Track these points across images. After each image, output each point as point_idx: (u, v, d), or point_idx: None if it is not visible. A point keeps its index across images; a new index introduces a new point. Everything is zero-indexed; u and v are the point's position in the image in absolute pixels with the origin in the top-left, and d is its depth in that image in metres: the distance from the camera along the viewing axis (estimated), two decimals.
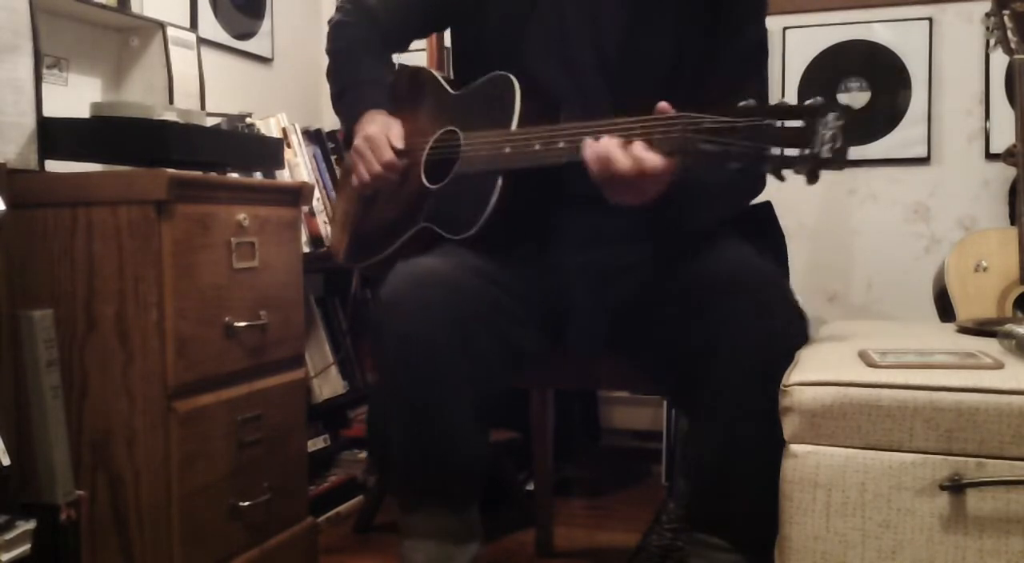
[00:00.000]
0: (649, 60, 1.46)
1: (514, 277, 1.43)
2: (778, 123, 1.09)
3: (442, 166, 1.50)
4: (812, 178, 1.08)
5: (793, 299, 1.33)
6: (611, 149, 1.22)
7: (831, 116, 1.07)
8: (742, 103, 1.12)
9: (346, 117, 1.63)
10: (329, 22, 1.71)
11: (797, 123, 1.08)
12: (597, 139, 1.25)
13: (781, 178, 1.11)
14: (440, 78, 1.63)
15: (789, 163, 1.09)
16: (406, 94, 1.65)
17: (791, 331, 1.28)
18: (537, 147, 1.34)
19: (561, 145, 1.31)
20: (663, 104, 1.21)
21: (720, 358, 1.26)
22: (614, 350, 1.51)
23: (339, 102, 1.65)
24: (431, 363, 1.30)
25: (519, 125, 1.40)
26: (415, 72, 1.70)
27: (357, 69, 1.63)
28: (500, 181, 1.38)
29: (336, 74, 1.67)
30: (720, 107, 1.14)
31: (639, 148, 1.21)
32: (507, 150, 1.38)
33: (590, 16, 1.48)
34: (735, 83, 1.45)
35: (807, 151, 1.07)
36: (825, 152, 1.06)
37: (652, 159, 1.20)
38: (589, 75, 1.48)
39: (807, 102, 1.09)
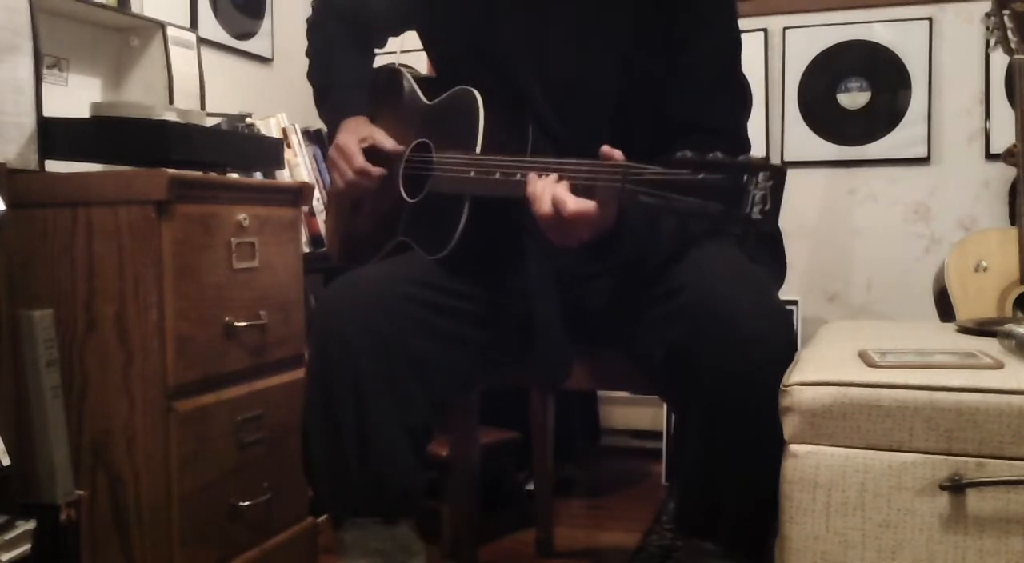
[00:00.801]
0: (596, 91, 1.45)
1: (476, 285, 1.42)
2: (711, 179, 1.06)
3: (418, 178, 1.50)
4: (745, 238, 1.06)
5: (773, 306, 1.29)
6: (536, 190, 1.23)
7: (761, 176, 1.04)
8: (679, 154, 1.10)
9: (327, 122, 1.64)
10: (307, 22, 1.72)
11: (728, 181, 1.05)
12: (540, 176, 1.25)
13: (719, 232, 1.09)
14: (415, 83, 1.62)
15: (720, 222, 1.07)
16: (384, 96, 1.65)
17: (767, 338, 1.25)
18: (497, 176, 1.33)
19: (518, 178, 1.30)
20: (606, 148, 1.20)
21: (692, 362, 1.25)
22: (606, 348, 1.51)
23: (320, 105, 1.66)
24: (350, 370, 1.30)
25: (484, 146, 1.39)
26: (392, 73, 1.69)
27: (334, 71, 1.64)
28: (467, 205, 1.38)
29: (314, 75, 1.68)
30: (660, 157, 1.12)
31: (562, 191, 1.21)
32: (472, 174, 1.37)
33: (536, 48, 1.46)
34: (695, 101, 1.43)
35: (736, 211, 1.05)
36: (755, 214, 1.04)
37: (574, 203, 1.20)
38: (539, 104, 1.47)
39: (740, 158, 1.07)
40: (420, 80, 1.63)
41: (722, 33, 1.46)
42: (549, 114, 1.46)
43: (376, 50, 1.74)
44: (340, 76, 1.63)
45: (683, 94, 1.43)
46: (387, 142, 1.53)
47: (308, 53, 1.70)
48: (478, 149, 1.39)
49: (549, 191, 1.22)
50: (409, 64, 1.73)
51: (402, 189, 1.53)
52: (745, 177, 1.04)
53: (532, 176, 1.25)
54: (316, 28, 1.69)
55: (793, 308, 2.52)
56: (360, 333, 1.31)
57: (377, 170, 1.51)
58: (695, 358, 1.24)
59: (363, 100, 1.61)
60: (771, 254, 1.50)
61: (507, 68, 1.48)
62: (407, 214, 1.51)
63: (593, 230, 1.23)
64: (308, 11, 1.77)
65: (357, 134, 1.53)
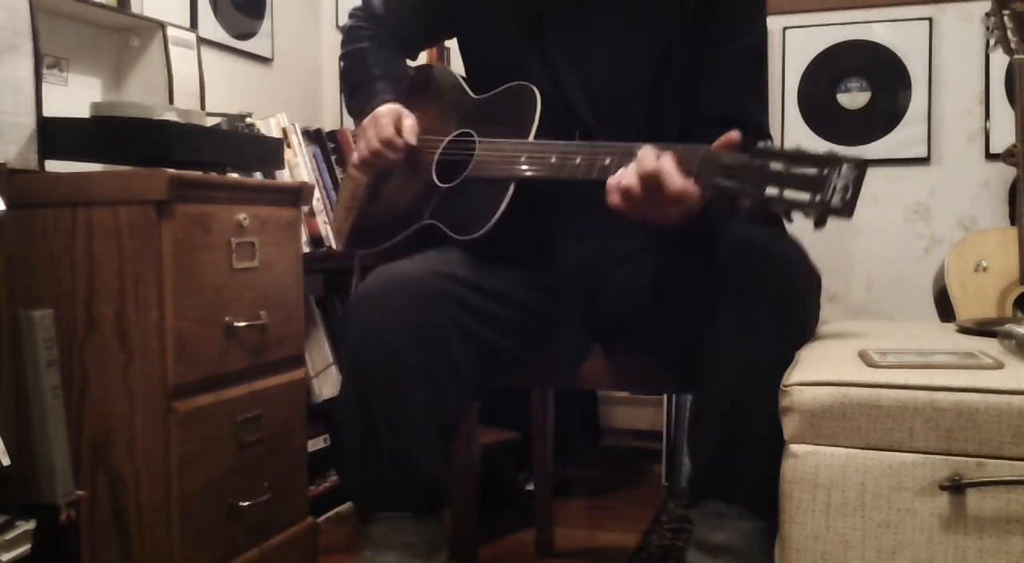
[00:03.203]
0: (634, 88, 1.47)
1: (503, 282, 1.43)
2: (793, 168, 1.10)
3: (453, 166, 1.51)
4: (820, 223, 1.09)
5: (799, 255, 1.33)
6: (664, 166, 1.19)
7: (846, 167, 1.08)
8: (761, 144, 1.14)
9: (358, 112, 1.63)
10: (342, 29, 1.74)
11: (812, 170, 1.09)
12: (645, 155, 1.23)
13: (789, 219, 1.13)
14: (463, 81, 1.65)
15: (799, 207, 1.09)
16: (426, 92, 1.67)
17: (797, 288, 1.29)
18: (553, 160, 1.34)
19: (577, 161, 1.31)
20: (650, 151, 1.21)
21: (729, 326, 1.27)
22: (610, 346, 1.51)
23: (351, 100, 1.66)
24: (389, 365, 1.31)
25: (536, 137, 1.41)
26: (439, 71, 1.72)
27: (368, 67, 1.64)
28: (512, 188, 1.39)
29: (348, 74, 1.69)
30: (738, 146, 1.15)
31: (670, 162, 1.19)
32: (522, 159, 1.39)
33: (575, 47, 1.49)
34: (727, 95, 1.45)
35: (817, 198, 1.08)
36: (836, 201, 1.07)
37: (681, 180, 1.17)
38: (577, 103, 1.49)
39: (825, 152, 1.10)
40: (465, 78, 1.65)
41: (756, 32, 1.51)
42: (587, 113, 1.48)
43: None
44: (376, 71, 1.63)
45: (718, 90, 1.45)
46: (410, 135, 1.52)
47: (343, 57, 1.70)
48: (531, 136, 1.41)
49: (655, 155, 1.19)
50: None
51: (435, 175, 1.53)
52: (828, 168, 1.08)
53: (645, 149, 1.21)
54: (352, 31, 1.70)
55: None
56: (400, 327, 1.31)
57: (402, 141, 1.50)
58: (730, 322, 1.26)
59: (396, 90, 1.61)
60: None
61: (548, 69, 1.49)
62: (437, 199, 1.52)
63: (682, 212, 1.20)
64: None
65: (392, 114, 1.53)
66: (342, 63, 1.70)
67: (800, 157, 1.10)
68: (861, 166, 1.08)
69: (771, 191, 1.10)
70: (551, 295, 1.47)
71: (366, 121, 1.55)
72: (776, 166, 1.11)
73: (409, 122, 1.52)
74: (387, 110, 1.53)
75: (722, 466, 1.28)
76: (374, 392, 1.32)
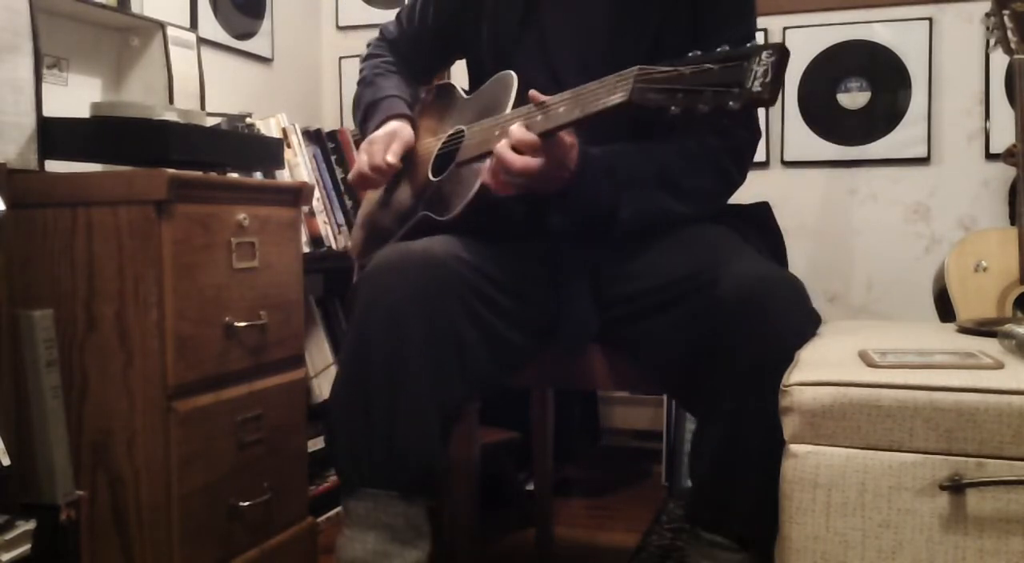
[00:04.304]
0: None
1: (514, 275, 1.43)
2: (716, 68, 1.13)
3: (447, 160, 1.54)
4: (748, 113, 1.11)
5: (799, 298, 1.32)
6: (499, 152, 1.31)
7: (764, 54, 1.11)
8: (690, 54, 1.17)
9: (366, 128, 1.67)
10: (360, 57, 1.79)
11: (735, 63, 1.13)
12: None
13: (723, 116, 1.15)
14: (459, 87, 1.69)
15: (724, 100, 1.12)
16: (435, 106, 1.72)
17: (793, 332, 1.28)
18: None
19: (539, 119, 1.32)
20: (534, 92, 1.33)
21: (720, 357, 1.26)
22: (610, 347, 1.52)
23: (362, 124, 1.70)
24: (394, 337, 1.29)
25: (512, 110, 1.44)
26: (443, 86, 1.76)
27: (378, 90, 1.69)
28: (489, 163, 1.39)
29: (360, 98, 1.73)
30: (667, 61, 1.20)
31: (511, 140, 1.30)
32: (496, 133, 1.41)
33: (571, 46, 1.52)
34: None
35: (739, 89, 1.11)
36: (756, 86, 1.10)
37: (526, 136, 1.29)
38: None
39: (749, 46, 1.14)
40: (466, 89, 1.69)
41: (748, 22, 1.54)
42: None
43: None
44: (384, 92, 1.68)
45: None
46: (393, 157, 1.56)
47: (358, 82, 1.76)
48: (507, 111, 1.43)
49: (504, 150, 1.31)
50: None
51: (430, 171, 1.56)
52: (748, 59, 1.11)
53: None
54: (369, 59, 1.77)
55: None
56: (410, 300, 1.30)
57: (386, 163, 1.54)
58: (721, 353, 1.26)
59: (401, 106, 1.66)
60: (771, 254, 1.51)
61: (547, 66, 1.53)
62: (431, 192, 1.54)
63: (546, 173, 1.32)
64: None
65: (386, 138, 1.58)
66: (356, 89, 1.75)
67: (725, 56, 1.14)
68: (780, 51, 1.10)
69: (693, 95, 1.14)
70: (559, 289, 1.47)
71: (363, 144, 1.60)
72: (704, 68, 1.14)
73: (396, 146, 1.56)
74: (383, 133, 1.58)
75: (717, 499, 1.29)
76: (376, 361, 1.30)
